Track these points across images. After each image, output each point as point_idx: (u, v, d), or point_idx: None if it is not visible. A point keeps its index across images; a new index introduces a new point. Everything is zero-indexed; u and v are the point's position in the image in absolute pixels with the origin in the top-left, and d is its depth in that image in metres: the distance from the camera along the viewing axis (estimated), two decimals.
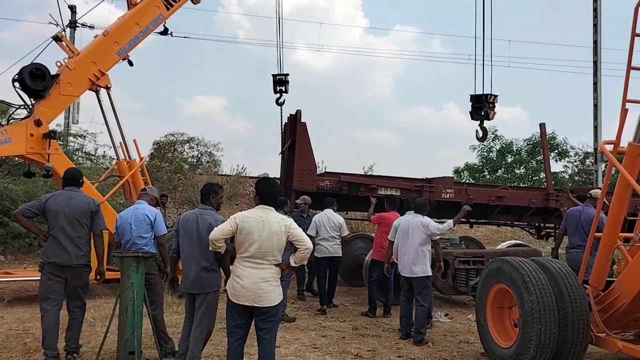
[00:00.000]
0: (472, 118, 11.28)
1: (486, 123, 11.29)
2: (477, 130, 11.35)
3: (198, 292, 4.84)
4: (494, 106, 11.07)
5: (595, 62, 18.81)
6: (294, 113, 10.84)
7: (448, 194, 11.14)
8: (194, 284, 4.84)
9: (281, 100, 12.33)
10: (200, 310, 4.82)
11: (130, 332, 4.96)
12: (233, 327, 4.42)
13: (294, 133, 10.58)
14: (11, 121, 8.50)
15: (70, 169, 6.05)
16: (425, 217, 7.02)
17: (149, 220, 5.59)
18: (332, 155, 52.07)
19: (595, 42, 18.90)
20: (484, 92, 11.02)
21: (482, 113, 11.08)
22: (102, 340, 5.27)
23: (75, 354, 5.36)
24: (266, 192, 4.49)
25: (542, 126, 12.48)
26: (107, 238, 8.45)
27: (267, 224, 4.30)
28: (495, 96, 11.01)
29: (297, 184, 10.14)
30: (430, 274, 6.92)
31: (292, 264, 4.38)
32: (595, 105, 18.63)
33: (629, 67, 5.22)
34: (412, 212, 7.22)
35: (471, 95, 11.21)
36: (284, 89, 12.36)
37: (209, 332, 4.97)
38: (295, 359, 5.79)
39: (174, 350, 5.47)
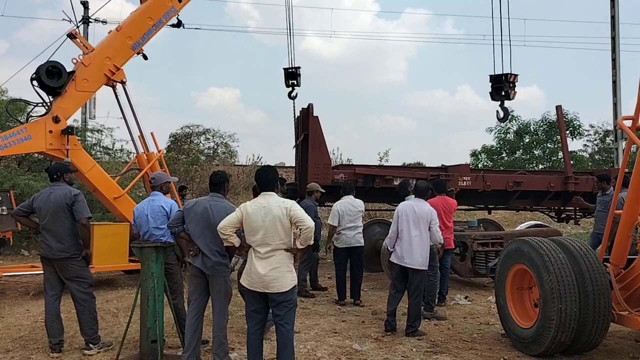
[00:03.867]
0: (493, 99, 11.10)
1: (496, 103, 11.13)
2: (497, 111, 11.18)
3: (209, 274, 4.86)
4: (515, 86, 10.88)
5: (613, 38, 18.43)
6: (306, 107, 10.83)
7: (465, 182, 11.06)
8: (205, 266, 4.86)
9: (293, 94, 12.31)
10: (218, 297, 4.88)
11: (152, 321, 5.04)
12: (251, 312, 4.51)
13: (307, 127, 10.58)
14: (30, 119, 8.65)
15: (53, 165, 6.17)
16: (431, 207, 6.57)
17: (165, 211, 5.68)
18: (347, 142, 52.10)
19: (612, 17, 18.51)
20: (504, 72, 10.85)
21: (503, 93, 10.91)
22: (125, 329, 5.36)
23: (91, 344, 5.49)
24: (262, 177, 4.57)
25: (559, 109, 12.30)
26: (127, 230, 8.67)
27: (269, 209, 4.35)
28: (516, 75, 10.81)
29: (312, 178, 10.14)
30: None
31: (299, 246, 4.40)
32: (614, 82, 18.30)
33: None
34: (413, 196, 6.79)
35: (491, 76, 11.03)
36: (295, 83, 12.34)
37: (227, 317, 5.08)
38: (315, 344, 5.83)
39: None
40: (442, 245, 6.99)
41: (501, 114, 11.22)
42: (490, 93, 11.09)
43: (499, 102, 11.09)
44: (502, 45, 10.82)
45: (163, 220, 5.63)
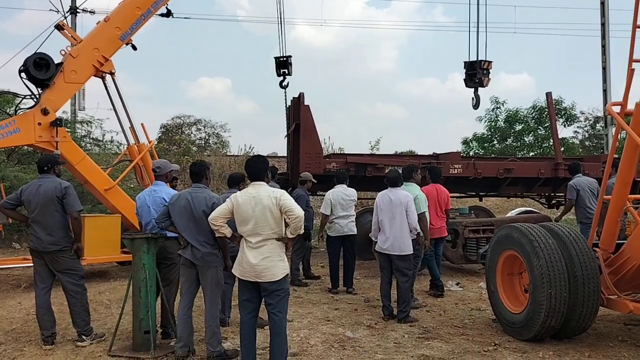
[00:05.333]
0: (467, 85, 11.15)
1: (485, 91, 11.22)
2: (472, 98, 11.25)
3: (199, 265, 4.90)
4: (488, 72, 10.92)
5: (603, 24, 18.45)
6: (297, 96, 10.79)
7: (456, 169, 11.10)
8: (195, 257, 4.90)
9: (284, 83, 12.24)
10: (209, 288, 4.91)
11: (145, 312, 5.06)
12: (243, 301, 4.53)
13: (298, 116, 10.55)
14: (19, 111, 8.57)
15: (41, 157, 6.11)
16: (407, 193, 6.56)
17: (167, 203, 5.63)
18: (338, 131, 52.16)
19: (602, 3, 18.53)
20: (478, 59, 10.87)
21: (476, 80, 10.94)
22: (118, 321, 5.38)
23: (84, 336, 5.49)
24: (252, 167, 4.58)
25: (549, 95, 12.34)
26: (119, 221, 8.66)
27: (258, 199, 4.37)
28: (489, 62, 10.85)
29: (304, 167, 10.13)
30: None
31: (289, 235, 4.42)
32: (604, 68, 18.33)
33: (635, 26, 5.14)
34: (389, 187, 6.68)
35: (465, 62, 11.06)
36: (287, 72, 12.26)
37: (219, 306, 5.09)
38: (308, 332, 5.87)
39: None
40: (426, 240, 6.86)
41: (474, 101, 11.26)
42: (465, 80, 11.11)
43: (472, 89, 11.14)
44: (478, 31, 10.85)
45: None
